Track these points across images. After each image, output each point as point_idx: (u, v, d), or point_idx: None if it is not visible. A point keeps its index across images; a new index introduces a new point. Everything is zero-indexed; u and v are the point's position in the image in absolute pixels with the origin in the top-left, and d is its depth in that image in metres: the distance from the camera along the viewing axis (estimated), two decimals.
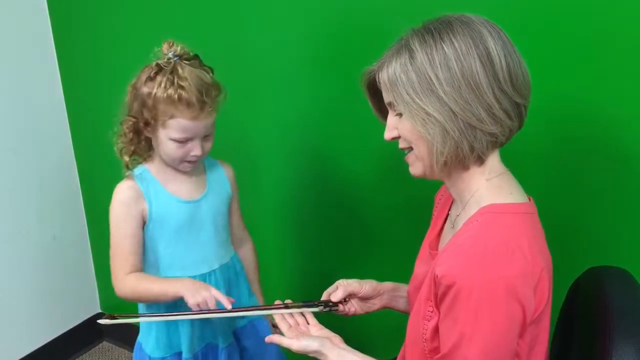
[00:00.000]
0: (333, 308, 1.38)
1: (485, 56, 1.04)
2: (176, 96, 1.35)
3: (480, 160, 1.12)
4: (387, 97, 1.14)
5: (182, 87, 1.35)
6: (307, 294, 1.84)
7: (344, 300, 1.40)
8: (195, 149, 1.42)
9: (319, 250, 1.96)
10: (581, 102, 1.44)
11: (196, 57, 1.43)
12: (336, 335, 1.30)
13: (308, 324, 1.34)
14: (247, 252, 1.71)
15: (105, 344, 2.70)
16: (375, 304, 1.44)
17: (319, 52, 1.75)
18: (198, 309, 1.38)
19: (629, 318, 1.06)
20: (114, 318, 1.34)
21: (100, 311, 2.72)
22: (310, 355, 1.26)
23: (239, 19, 1.86)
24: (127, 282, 1.49)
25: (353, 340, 1.30)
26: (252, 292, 1.71)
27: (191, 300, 1.38)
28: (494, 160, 1.14)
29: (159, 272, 1.54)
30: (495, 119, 1.07)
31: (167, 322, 1.56)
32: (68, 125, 2.42)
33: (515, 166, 1.20)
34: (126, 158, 1.50)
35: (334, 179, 1.89)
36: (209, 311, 1.38)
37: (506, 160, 1.19)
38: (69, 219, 2.53)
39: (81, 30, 2.22)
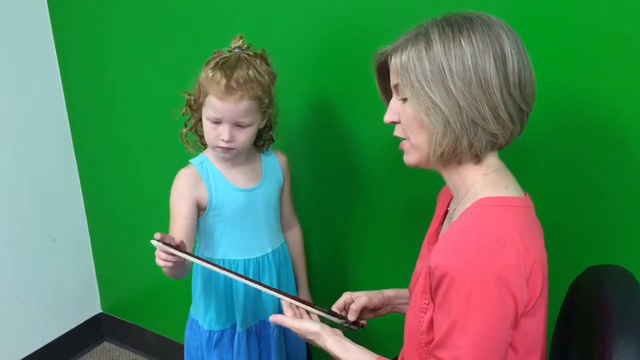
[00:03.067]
0: (352, 326, 1.43)
1: (500, 58, 1.06)
2: (211, 75, 1.47)
3: (477, 158, 1.14)
4: (394, 80, 1.16)
5: (221, 69, 1.46)
6: (310, 293, 1.86)
7: (359, 320, 1.45)
8: (223, 133, 1.50)
9: (320, 250, 1.96)
10: (581, 100, 1.44)
11: (261, 57, 1.53)
12: (338, 329, 1.34)
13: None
14: (293, 237, 1.82)
15: (106, 345, 2.71)
16: (381, 312, 1.49)
17: (321, 51, 1.75)
18: (162, 262, 1.39)
19: (629, 317, 1.06)
20: (164, 243, 1.35)
21: (101, 311, 2.72)
22: (310, 337, 1.31)
23: (238, 19, 1.86)
24: None
25: (356, 340, 1.30)
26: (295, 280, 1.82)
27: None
28: (491, 157, 1.16)
29: (215, 255, 1.66)
30: (498, 119, 1.09)
31: (225, 299, 1.68)
32: (68, 125, 2.42)
33: (515, 165, 1.21)
34: (184, 130, 1.62)
35: (335, 178, 1.89)
36: (248, 279, 1.42)
37: (506, 160, 1.19)
38: (70, 220, 2.54)
39: (81, 30, 2.22)
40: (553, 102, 1.45)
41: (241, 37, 1.53)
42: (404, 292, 1.48)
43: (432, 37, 1.08)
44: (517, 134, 1.14)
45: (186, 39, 1.98)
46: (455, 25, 1.08)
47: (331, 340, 1.28)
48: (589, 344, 1.11)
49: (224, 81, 1.45)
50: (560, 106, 1.46)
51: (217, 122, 1.50)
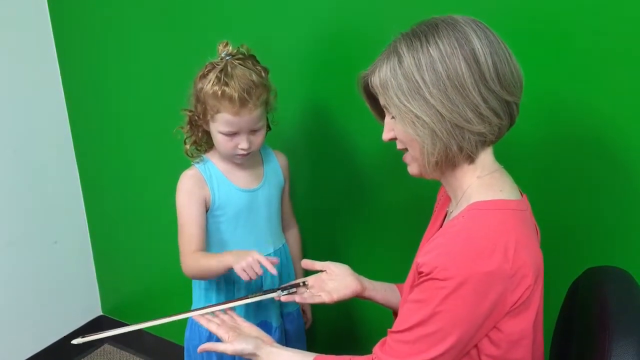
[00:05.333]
0: (290, 290, 1.45)
1: (471, 56, 1.06)
2: (220, 92, 1.45)
3: (471, 159, 1.14)
4: (381, 100, 1.17)
5: (226, 84, 1.45)
6: None
7: (303, 284, 1.46)
8: (242, 143, 1.52)
9: (318, 251, 1.96)
10: (580, 100, 1.44)
11: (251, 57, 1.53)
12: (266, 334, 1.36)
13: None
14: (291, 236, 1.83)
15: (107, 347, 2.71)
16: (348, 288, 1.45)
17: (319, 52, 1.76)
18: (246, 275, 1.44)
19: (628, 318, 1.06)
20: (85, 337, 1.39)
21: (101, 314, 2.73)
22: (246, 357, 1.31)
23: (238, 20, 1.86)
24: (190, 261, 1.59)
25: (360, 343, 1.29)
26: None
27: (237, 266, 1.45)
28: (486, 158, 1.16)
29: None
30: (482, 118, 1.09)
31: (226, 299, 1.65)
32: (68, 125, 2.43)
33: (514, 166, 1.21)
34: (187, 146, 1.62)
35: (333, 180, 1.89)
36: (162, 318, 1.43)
37: (504, 161, 1.19)
38: (70, 222, 2.54)
39: (82, 30, 2.23)
40: (553, 103, 1.45)
41: (227, 43, 1.51)
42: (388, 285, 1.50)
43: (401, 52, 1.10)
44: (507, 127, 1.14)
45: (185, 40, 1.98)
46: (422, 34, 1.09)
47: (267, 357, 1.28)
48: (589, 345, 1.10)
49: (235, 96, 1.44)
50: (560, 107, 1.46)
51: (233, 134, 1.51)
